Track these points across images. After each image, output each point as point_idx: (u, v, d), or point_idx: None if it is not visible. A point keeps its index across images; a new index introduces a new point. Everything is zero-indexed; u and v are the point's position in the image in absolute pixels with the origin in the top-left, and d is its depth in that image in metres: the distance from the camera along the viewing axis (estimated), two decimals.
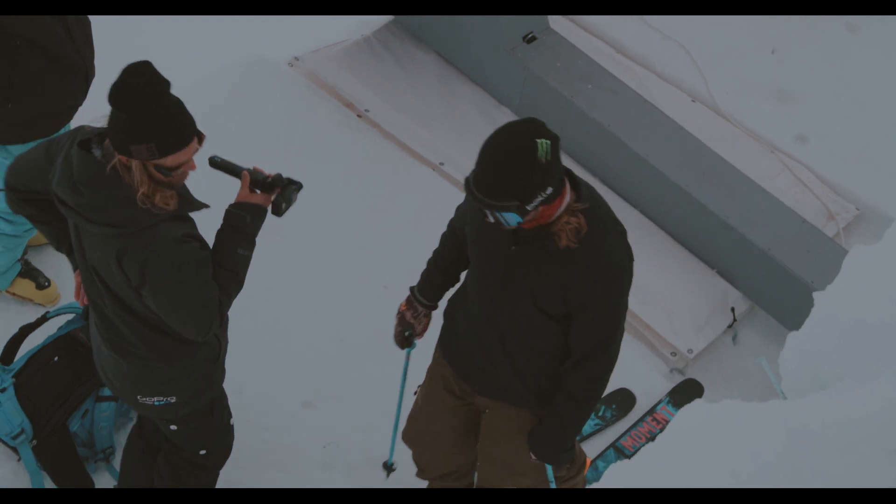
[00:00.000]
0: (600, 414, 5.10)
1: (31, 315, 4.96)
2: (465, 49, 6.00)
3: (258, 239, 3.83)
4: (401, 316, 4.12)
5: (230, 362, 4.19)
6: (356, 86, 6.03)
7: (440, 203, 5.60)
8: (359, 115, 5.95)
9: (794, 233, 5.39)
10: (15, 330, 4.78)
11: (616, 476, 2.77)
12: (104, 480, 4.70)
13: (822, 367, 2.78)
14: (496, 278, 3.71)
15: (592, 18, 6.25)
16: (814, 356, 2.81)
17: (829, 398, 2.58)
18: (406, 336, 4.12)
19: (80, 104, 4.62)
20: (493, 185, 3.39)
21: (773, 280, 5.33)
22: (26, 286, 5.12)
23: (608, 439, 5.08)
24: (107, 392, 4.65)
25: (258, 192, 3.84)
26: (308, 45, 6.17)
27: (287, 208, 3.86)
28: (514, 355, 3.85)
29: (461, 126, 5.88)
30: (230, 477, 4.61)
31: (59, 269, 5.15)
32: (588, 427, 5.07)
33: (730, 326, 5.38)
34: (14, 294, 5.13)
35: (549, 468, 4.10)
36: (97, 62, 4.60)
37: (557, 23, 6.05)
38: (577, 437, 4.99)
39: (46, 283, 5.12)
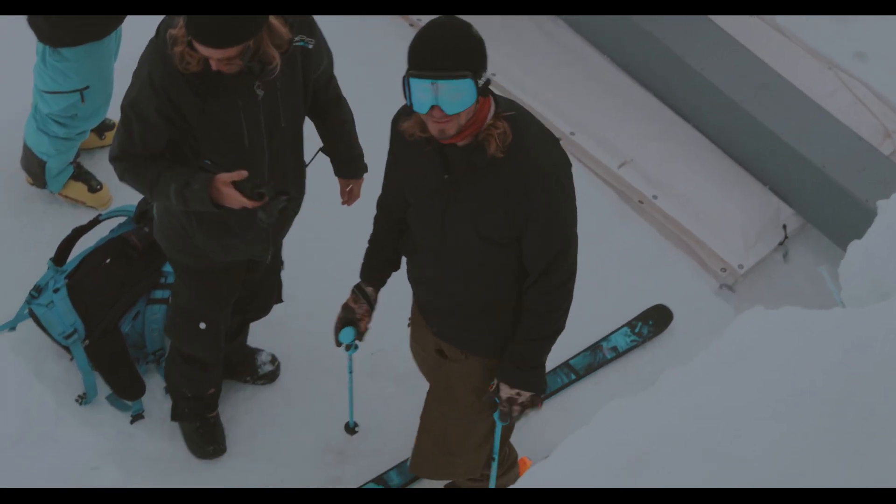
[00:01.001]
0: (636, 330, 5.05)
1: (84, 217, 4.99)
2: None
3: None
4: (343, 306, 3.98)
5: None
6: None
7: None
8: (410, 24, 5.88)
9: (849, 151, 5.31)
10: (68, 232, 4.82)
11: (671, 383, 2.74)
12: (154, 381, 4.77)
13: (883, 277, 2.75)
14: (434, 212, 3.63)
15: None
16: (875, 265, 2.78)
17: (891, 307, 2.55)
18: (342, 332, 3.95)
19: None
20: (443, 55, 3.31)
21: (827, 198, 5.26)
22: (79, 189, 5.15)
23: (642, 357, 5.06)
24: (158, 294, 4.69)
25: (239, 193, 3.75)
26: None
27: (268, 220, 3.80)
28: (465, 293, 3.76)
29: (514, 39, 5.77)
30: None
31: (111, 173, 5.15)
32: (624, 343, 5.02)
33: (781, 244, 5.34)
34: (66, 197, 5.16)
35: (496, 447, 4.00)
36: None
37: None
38: (611, 354, 4.98)
39: (98, 187, 5.14)
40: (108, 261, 4.70)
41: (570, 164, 3.61)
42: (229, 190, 3.74)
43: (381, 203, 3.90)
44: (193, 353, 4.44)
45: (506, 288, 3.73)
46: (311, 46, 3.75)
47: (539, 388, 3.84)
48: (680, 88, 5.58)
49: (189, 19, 3.51)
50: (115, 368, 4.67)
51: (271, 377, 4.82)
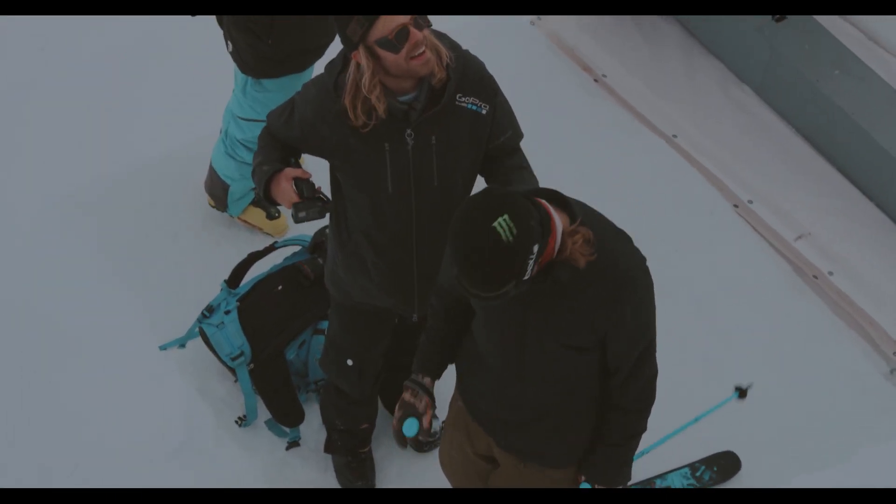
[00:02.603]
0: (698, 474, 4.76)
1: (260, 244, 5.11)
2: (711, 22, 5.89)
3: None
4: (400, 402, 3.62)
5: None
6: (596, 50, 5.99)
7: (669, 174, 5.56)
8: (595, 80, 5.92)
9: None
10: (243, 256, 4.93)
11: None
12: (313, 410, 4.81)
13: None
14: (512, 328, 3.39)
15: None
16: None
17: None
18: (405, 424, 3.59)
19: (332, 41, 4.71)
20: (483, 282, 3.06)
21: None
22: (257, 215, 5.27)
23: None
24: (324, 325, 4.76)
25: (294, 189, 3.67)
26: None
27: (303, 218, 3.68)
28: (545, 405, 3.54)
29: (698, 100, 5.78)
30: None
31: None
32: (680, 485, 4.74)
33: None
34: (245, 221, 5.29)
35: None
36: None
37: None
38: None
39: (277, 214, 5.25)
40: (279, 287, 4.78)
41: (645, 259, 3.39)
42: (287, 185, 3.65)
43: (441, 291, 3.61)
44: (341, 387, 4.44)
45: (587, 393, 3.54)
46: (483, 112, 3.63)
47: (626, 482, 3.68)
48: (865, 164, 5.46)
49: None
50: (276, 394, 4.73)
51: None
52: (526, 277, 3.08)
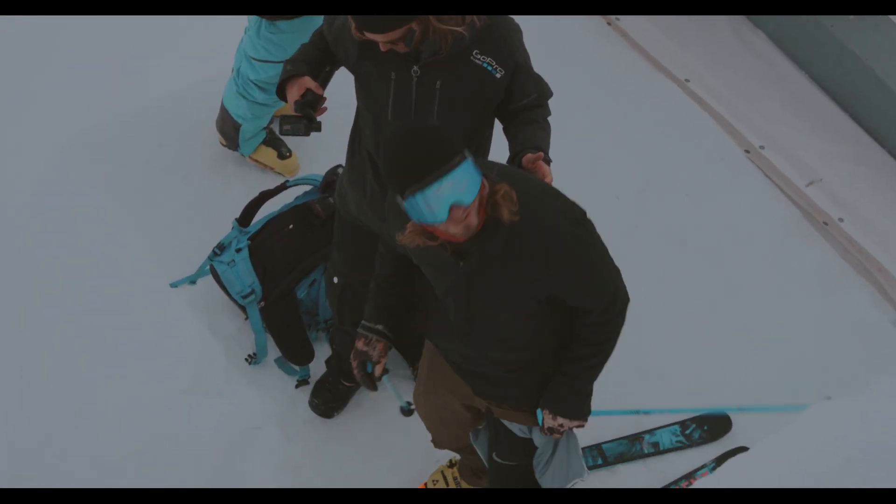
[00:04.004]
0: (688, 432, 4.75)
1: (271, 182, 5.12)
2: None
3: None
4: (353, 352, 3.67)
5: None
6: None
7: (681, 119, 5.55)
8: (608, 23, 5.88)
9: None
10: (255, 194, 4.94)
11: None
12: (323, 349, 4.83)
13: None
14: (458, 298, 3.43)
15: None
16: None
17: None
18: (367, 371, 3.66)
19: None
20: (431, 151, 3.10)
21: None
22: (268, 154, 5.27)
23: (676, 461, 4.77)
24: None
25: (300, 98, 3.79)
26: None
27: (287, 131, 3.82)
28: (502, 361, 3.59)
29: (712, 45, 5.75)
30: None
31: (301, 143, 5.28)
32: (668, 441, 4.72)
33: None
34: (256, 161, 5.29)
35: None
36: None
37: None
38: (650, 449, 4.67)
39: (288, 154, 5.26)
40: (290, 226, 4.79)
41: (579, 212, 3.38)
42: (296, 90, 3.79)
43: (388, 237, 3.56)
44: (330, 305, 4.51)
45: (545, 346, 3.57)
46: (497, 75, 3.66)
47: (585, 416, 3.67)
48: (879, 111, 5.44)
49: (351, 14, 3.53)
50: (286, 332, 4.75)
51: None
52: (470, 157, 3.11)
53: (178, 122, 5.45)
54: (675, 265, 5.16)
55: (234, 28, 5.05)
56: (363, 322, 3.67)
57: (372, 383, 3.69)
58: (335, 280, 4.41)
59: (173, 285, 4.94)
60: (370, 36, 3.52)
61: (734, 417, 4.76)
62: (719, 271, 5.15)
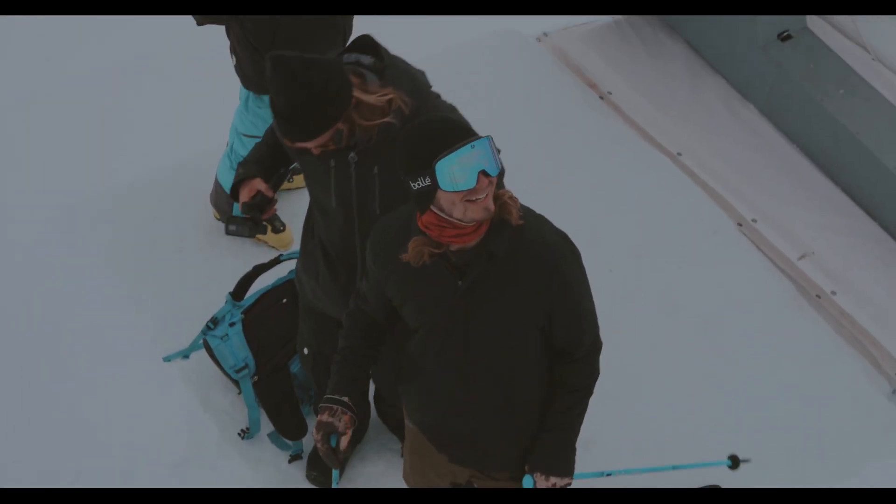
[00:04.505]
0: None
1: (265, 256, 5.13)
2: (717, 41, 5.91)
3: None
4: (318, 424, 3.55)
5: None
6: (602, 67, 6.02)
7: (673, 192, 5.58)
8: (601, 97, 5.95)
9: None
10: (248, 268, 4.93)
11: None
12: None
13: None
14: (453, 326, 3.41)
15: (848, 20, 6.07)
16: None
17: None
18: (332, 445, 3.54)
19: None
20: (459, 129, 3.20)
21: None
22: None
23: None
24: None
25: (249, 200, 3.91)
26: (558, 22, 6.19)
27: (232, 231, 3.96)
28: (493, 404, 3.54)
29: (704, 118, 5.80)
30: None
31: (295, 216, 5.29)
32: None
33: None
34: None
35: None
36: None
37: (813, 23, 5.91)
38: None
39: (282, 228, 5.19)
40: (284, 300, 4.80)
41: (566, 235, 3.48)
42: (246, 192, 3.91)
43: (358, 313, 3.62)
44: (311, 378, 4.53)
45: (537, 385, 3.56)
46: None
47: (572, 472, 3.63)
48: (869, 184, 5.47)
49: (275, 122, 3.58)
50: (280, 407, 4.74)
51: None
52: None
53: (173, 194, 5.49)
54: (667, 336, 5.16)
55: (231, 101, 5.09)
56: (326, 395, 3.57)
57: (336, 460, 3.56)
58: (305, 351, 4.43)
59: (166, 359, 4.94)
60: (300, 145, 3.58)
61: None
62: (712, 342, 5.15)
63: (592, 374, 3.58)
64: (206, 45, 5.41)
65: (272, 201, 3.90)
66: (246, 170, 3.92)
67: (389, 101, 3.60)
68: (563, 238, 3.43)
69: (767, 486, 4.64)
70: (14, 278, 5.23)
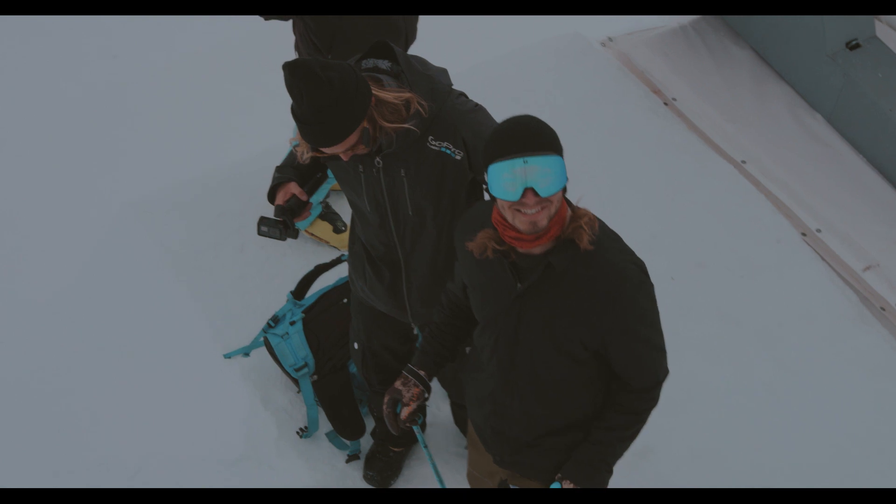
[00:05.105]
0: None
1: (326, 256, 5.16)
2: (784, 49, 5.87)
3: None
4: (390, 389, 3.69)
5: None
6: (667, 73, 5.99)
7: (737, 200, 5.54)
8: (665, 103, 5.92)
9: None
10: (310, 268, 4.97)
11: None
12: (373, 423, 4.83)
13: None
14: (509, 324, 3.39)
15: None
16: None
17: None
18: (397, 411, 3.66)
19: None
20: (530, 137, 3.13)
21: None
22: (324, 228, 5.31)
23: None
24: None
25: (283, 203, 3.90)
26: (624, 26, 6.17)
27: (264, 232, 3.92)
28: (534, 415, 3.51)
29: (769, 126, 5.77)
30: None
31: None
32: None
33: None
34: (312, 234, 5.33)
35: None
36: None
37: (882, 32, 5.85)
38: None
39: (343, 228, 5.29)
40: (344, 301, 4.81)
41: (641, 262, 3.35)
42: (282, 195, 3.90)
43: (448, 290, 3.69)
44: (360, 373, 4.54)
45: (582, 407, 3.50)
46: (457, 157, 3.70)
47: (603, 485, 3.55)
48: None
49: (299, 132, 3.56)
50: (338, 407, 4.76)
51: None
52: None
53: (238, 191, 5.53)
54: (728, 345, 5.13)
55: None
56: (409, 364, 3.69)
57: (395, 425, 3.67)
58: (355, 346, 4.44)
59: (227, 356, 4.97)
60: (328, 151, 3.57)
61: None
62: (773, 352, 5.12)
63: (649, 402, 3.48)
64: (271, 39, 5.44)
65: (306, 205, 3.91)
66: (282, 174, 3.94)
67: (407, 102, 3.60)
68: (637, 269, 3.31)
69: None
70: (79, 273, 5.28)
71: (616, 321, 3.29)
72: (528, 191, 3.11)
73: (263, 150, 5.57)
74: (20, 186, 5.61)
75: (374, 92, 3.54)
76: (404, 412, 3.64)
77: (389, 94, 3.58)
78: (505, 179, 3.12)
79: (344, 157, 3.60)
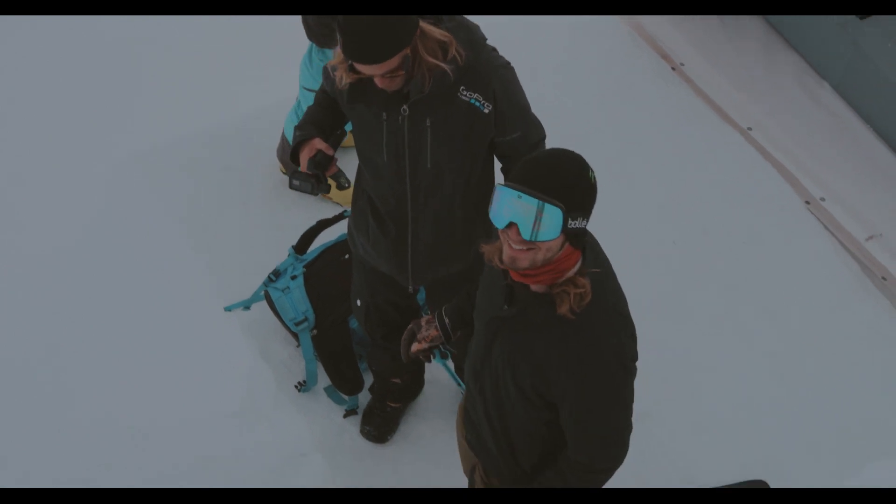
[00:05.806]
0: None
1: (329, 212, 5.16)
2: (794, 17, 5.84)
3: None
4: (414, 321, 3.73)
5: None
6: (676, 38, 5.97)
7: (742, 167, 5.53)
8: (673, 68, 5.90)
9: None
10: (312, 223, 4.98)
11: None
12: (372, 379, 4.85)
13: None
14: (483, 341, 3.34)
15: None
16: None
17: None
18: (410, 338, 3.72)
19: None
20: (543, 177, 2.99)
21: None
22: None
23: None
24: None
25: (311, 158, 3.84)
26: None
27: (295, 186, 3.88)
28: (495, 429, 3.46)
29: (776, 94, 5.75)
30: None
31: None
32: None
33: None
34: None
35: None
36: None
37: None
38: None
39: (347, 184, 5.22)
40: (345, 256, 4.82)
41: (634, 358, 3.20)
42: (307, 151, 3.83)
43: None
44: (363, 329, 4.53)
45: (538, 444, 3.42)
46: (485, 110, 3.68)
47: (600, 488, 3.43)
48: None
49: (342, 45, 3.50)
50: (337, 361, 4.77)
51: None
52: (570, 225, 2.99)
53: (243, 147, 5.53)
54: (729, 311, 5.14)
55: (301, 56, 5.10)
56: (443, 308, 3.70)
57: (406, 355, 3.71)
58: (358, 303, 4.42)
59: (227, 309, 4.98)
60: (367, 71, 3.52)
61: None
62: (773, 320, 5.12)
63: (580, 480, 3.33)
64: None
65: (333, 159, 3.90)
66: (304, 132, 3.91)
67: (447, 45, 3.58)
68: (617, 353, 3.15)
69: (824, 471, 4.64)
70: (83, 225, 5.28)
71: (574, 391, 3.17)
72: (514, 225, 3.01)
73: (270, 105, 5.56)
74: (27, 140, 5.61)
75: (420, 23, 3.53)
76: (414, 346, 3.69)
77: (435, 30, 3.57)
78: (500, 202, 3.01)
79: (379, 83, 3.55)
